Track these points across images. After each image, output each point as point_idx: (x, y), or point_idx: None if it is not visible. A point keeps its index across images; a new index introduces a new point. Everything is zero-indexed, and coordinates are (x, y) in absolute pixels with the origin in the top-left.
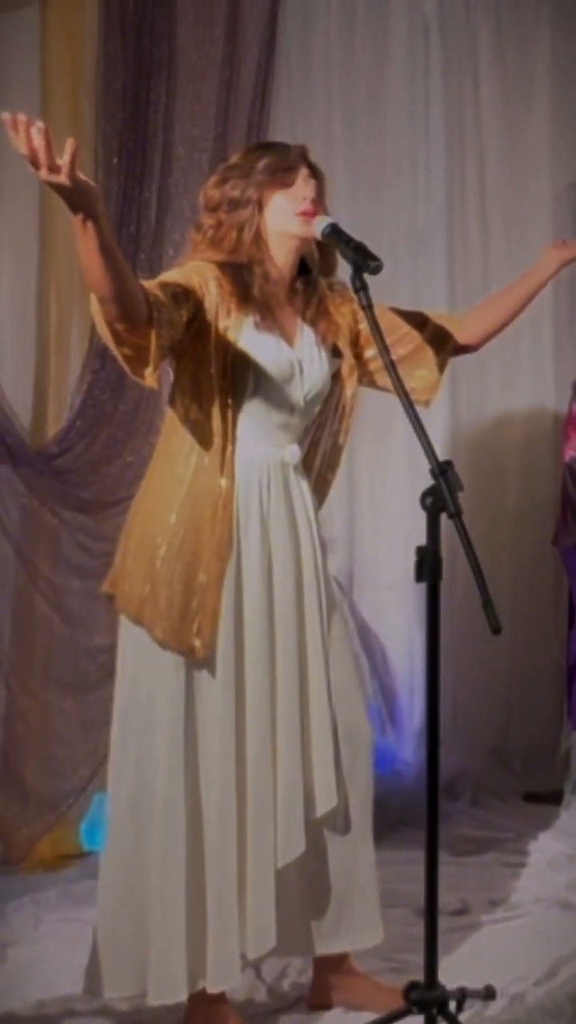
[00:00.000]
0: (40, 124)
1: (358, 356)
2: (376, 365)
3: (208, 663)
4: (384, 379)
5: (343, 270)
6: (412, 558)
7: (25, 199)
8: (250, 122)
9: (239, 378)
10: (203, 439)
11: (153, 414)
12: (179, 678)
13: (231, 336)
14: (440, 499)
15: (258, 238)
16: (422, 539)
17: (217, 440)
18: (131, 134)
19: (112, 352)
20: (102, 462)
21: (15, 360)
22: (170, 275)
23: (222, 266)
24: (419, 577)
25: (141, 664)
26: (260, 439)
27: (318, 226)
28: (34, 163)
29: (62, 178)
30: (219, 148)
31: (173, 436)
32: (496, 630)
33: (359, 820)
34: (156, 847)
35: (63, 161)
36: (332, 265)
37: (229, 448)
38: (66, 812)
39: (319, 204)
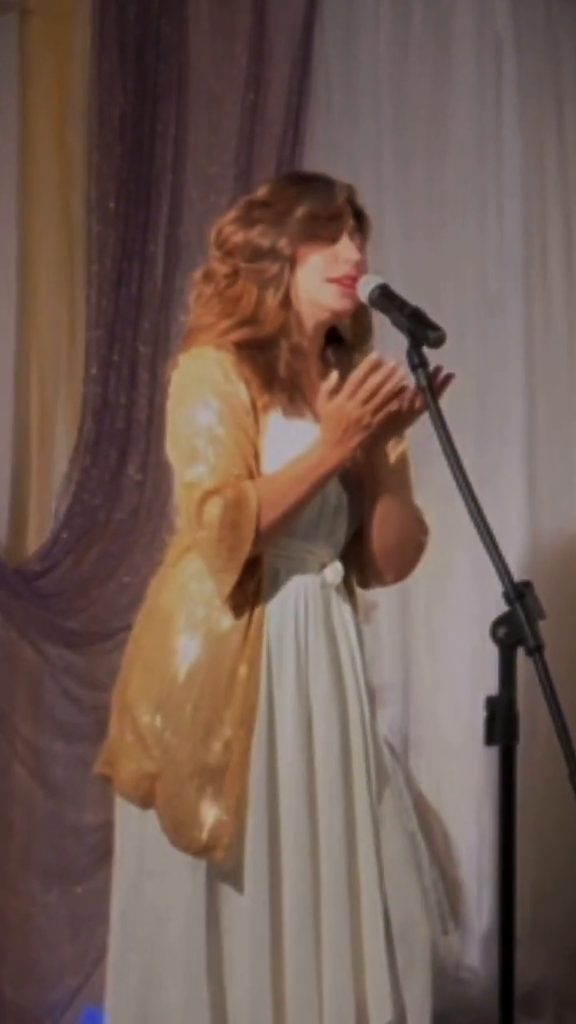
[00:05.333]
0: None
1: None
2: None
3: (234, 853)
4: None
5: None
6: (480, 710)
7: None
8: (279, 158)
9: None
10: None
11: (157, 523)
12: (197, 869)
13: (256, 434)
14: (516, 630)
15: (286, 302)
16: (492, 682)
17: None
18: (132, 173)
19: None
20: (92, 583)
21: None
22: (231, 438)
23: (238, 347)
24: (490, 739)
25: (147, 849)
26: (294, 556)
27: (364, 288)
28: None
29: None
30: (241, 189)
31: (184, 555)
32: None
33: None
34: None
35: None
36: (367, 329)
37: (256, 571)
38: None
39: (364, 264)
